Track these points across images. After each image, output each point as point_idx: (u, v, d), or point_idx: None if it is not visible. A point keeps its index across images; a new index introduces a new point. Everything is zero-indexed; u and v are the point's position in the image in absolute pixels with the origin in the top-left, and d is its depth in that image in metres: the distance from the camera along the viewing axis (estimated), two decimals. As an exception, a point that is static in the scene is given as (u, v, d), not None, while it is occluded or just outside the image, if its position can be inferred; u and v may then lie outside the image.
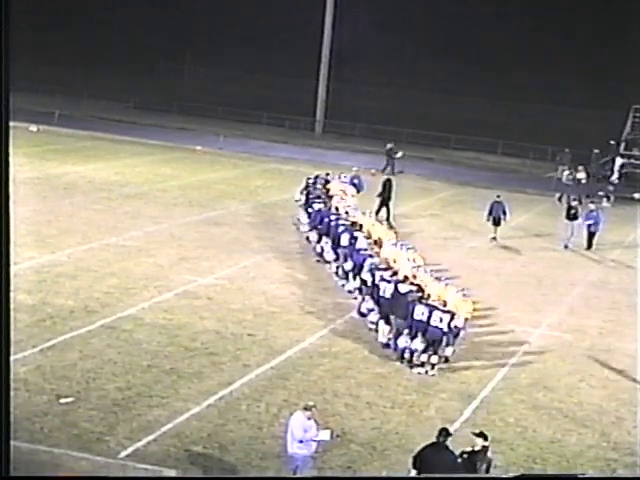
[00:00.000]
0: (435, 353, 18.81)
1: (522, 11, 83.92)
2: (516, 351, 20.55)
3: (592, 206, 32.95)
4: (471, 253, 29.99)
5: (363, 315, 21.27)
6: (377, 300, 20.44)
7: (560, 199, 40.66)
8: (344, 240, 24.66)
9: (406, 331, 19.02)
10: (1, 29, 7.15)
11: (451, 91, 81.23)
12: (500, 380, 18.79)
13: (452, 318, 18.79)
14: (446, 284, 20.54)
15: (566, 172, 42.23)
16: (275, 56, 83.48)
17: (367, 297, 21.19)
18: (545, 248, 31.57)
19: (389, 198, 33.23)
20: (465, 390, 18.05)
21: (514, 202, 40.09)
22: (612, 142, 49.42)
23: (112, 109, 60.62)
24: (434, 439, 12.56)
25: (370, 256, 22.87)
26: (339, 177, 33.72)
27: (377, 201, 32.98)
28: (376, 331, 20.24)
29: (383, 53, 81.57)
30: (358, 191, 33.49)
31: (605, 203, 40.09)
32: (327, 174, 33.77)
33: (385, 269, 21.30)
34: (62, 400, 15.67)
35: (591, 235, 31.78)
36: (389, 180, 34.27)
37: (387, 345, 19.68)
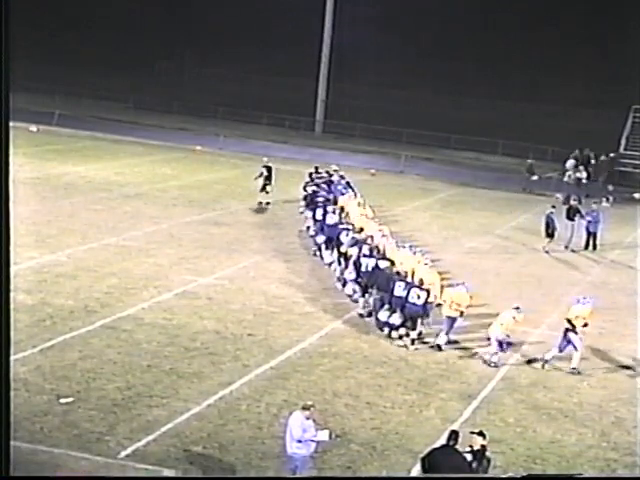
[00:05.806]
0: (414, 329, 19.85)
1: (522, 11, 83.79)
2: (516, 351, 20.55)
3: (593, 206, 32.95)
4: (471, 253, 29.99)
5: (344, 285, 23.03)
6: (358, 274, 21.93)
7: (567, 200, 40.51)
8: (318, 215, 26.95)
9: (386, 306, 20.11)
10: (1, 29, 7.14)
11: (451, 91, 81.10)
12: (500, 380, 18.79)
13: (428, 296, 19.90)
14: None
15: (568, 172, 42.15)
16: (275, 56, 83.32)
17: (351, 268, 22.51)
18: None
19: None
20: (465, 390, 18.05)
21: (514, 202, 40.12)
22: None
23: (112, 109, 60.56)
24: (434, 439, 12.56)
25: (347, 229, 24.38)
26: (331, 179, 33.51)
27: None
28: (354, 301, 22.22)
29: (383, 53, 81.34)
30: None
31: (605, 203, 40.04)
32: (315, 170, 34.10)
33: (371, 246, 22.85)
34: (62, 400, 15.66)
35: (590, 235, 31.76)
36: None
37: (362, 315, 21.55)
